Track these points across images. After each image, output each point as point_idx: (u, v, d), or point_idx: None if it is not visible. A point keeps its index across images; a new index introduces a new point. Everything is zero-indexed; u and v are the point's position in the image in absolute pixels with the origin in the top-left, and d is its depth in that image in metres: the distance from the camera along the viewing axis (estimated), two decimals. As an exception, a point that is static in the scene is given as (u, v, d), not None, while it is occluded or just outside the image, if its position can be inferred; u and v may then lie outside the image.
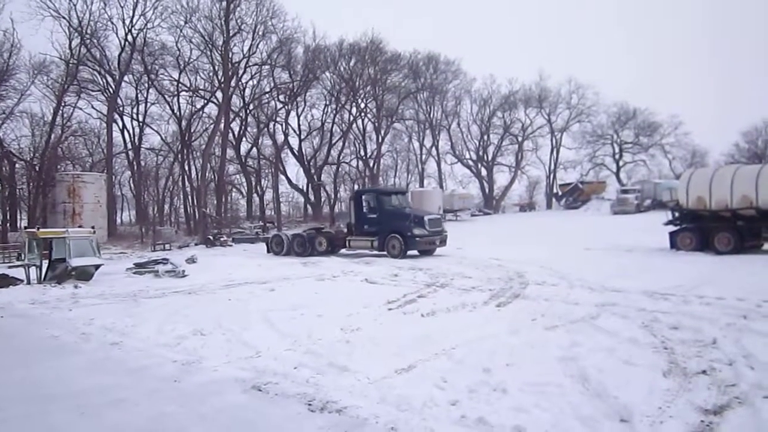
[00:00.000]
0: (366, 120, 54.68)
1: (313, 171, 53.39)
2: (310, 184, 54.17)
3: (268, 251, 24.17)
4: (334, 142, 53.54)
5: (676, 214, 19.51)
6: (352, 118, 53.06)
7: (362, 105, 53.05)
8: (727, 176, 17.93)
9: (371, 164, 54.87)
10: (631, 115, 66.37)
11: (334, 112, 52.65)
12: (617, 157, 68.62)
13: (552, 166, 68.78)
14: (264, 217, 46.46)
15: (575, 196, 58.94)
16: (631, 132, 67.77)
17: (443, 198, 51.57)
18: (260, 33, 41.55)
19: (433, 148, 65.60)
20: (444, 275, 14.93)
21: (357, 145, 55.70)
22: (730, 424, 4.58)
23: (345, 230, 23.66)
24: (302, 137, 53.38)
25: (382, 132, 54.50)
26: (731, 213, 17.61)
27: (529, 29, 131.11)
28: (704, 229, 18.13)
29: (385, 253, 21.05)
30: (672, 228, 19.35)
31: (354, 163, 56.57)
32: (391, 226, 21.13)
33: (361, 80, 51.41)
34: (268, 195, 53.07)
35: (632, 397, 5.14)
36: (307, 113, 53.53)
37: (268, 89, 47.00)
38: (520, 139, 67.66)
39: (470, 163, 68.61)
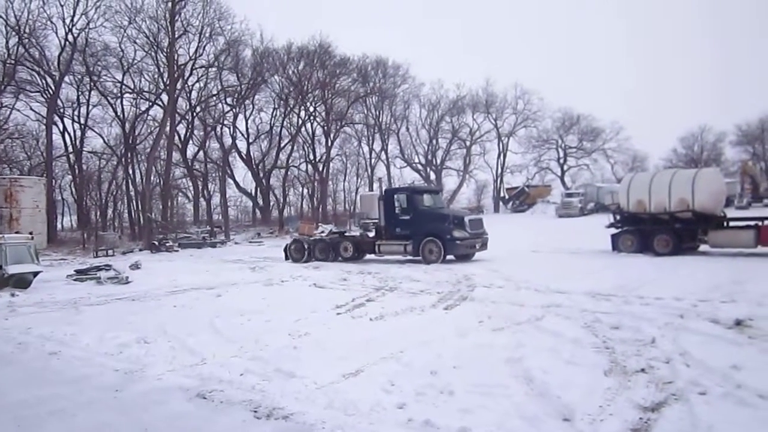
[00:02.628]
0: (315, 124, 54.43)
1: (261, 175, 52.79)
2: (258, 188, 53.58)
3: (287, 258, 22.21)
4: (282, 145, 53.06)
5: (618, 217, 20.10)
6: (300, 122, 52.71)
7: (311, 109, 52.80)
8: (665, 180, 18.57)
9: (321, 168, 54.67)
10: (575, 120, 68.07)
11: (283, 115, 52.19)
12: (562, 161, 70.21)
13: (499, 170, 69.85)
14: (211, 222, 45.76)
15: (522, 199, 59.97)
16: (575, 137, 69.52)
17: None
18: (207, 35, 40.87)
19: (383, 152, 65.80)
20: (393, 279, 14.99)
21: (306, 149, 55.35)
22: (666, 420, 4.73)
23: (370, 234, 21.78)
24: (250, 141, 52.71)
25: (332, 136, 54.34)
26: (669, 216, 18.24)
27: (476, 34, 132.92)
28: (644, 232, 18.73)
29: (420, 258, 19.12)
30: (614, 230, 19.90)
31: (303, 167, 56.30)
32: (427, 229, 19.23)
33: (309, 84, 51.15)
34: (216, 199, 52.26)
35: (574, 397, 5.26)
36: (256, 116, 52.93)
37: (215, 92, 46.26)
38: (468, 143, 68.53)
39: (419, 167, 69.09)
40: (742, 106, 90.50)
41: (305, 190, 58.29)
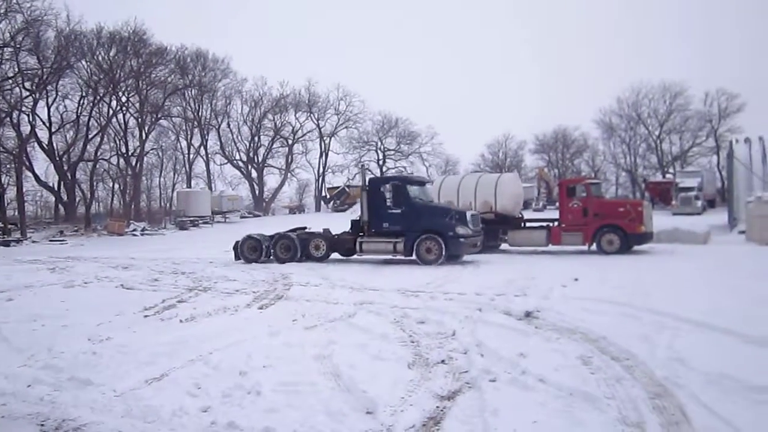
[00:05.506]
0: (128, 115, 51.39)
1: (66, 168, 48.55)
2: (62, 183, 49.21)
3: (237, 258, 19.10)
4: (91, 137, 49.25)
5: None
6: (111, 112, 49.46)
7: (124, 99, 49.84)
8: (472, 183, 19.96)
9: (134, 162, 51.62)
10: (394, 123, 70.90)
11: (92, 104, 48.50)
12: (381, 162, 72.54)
13: (321, 170, 70.75)
14: (4, 218, 41.28)
15: (343, 199, 61.08)
16: (394, 140, 72.38)
17: (212, 199, 50.36)
18: (2, 11, 36.94)
19: (202, 148, 63.74)
20: (208, 279, 14.55)
21: (117, 141, 52.06)
22: (459, 407, 5.08)
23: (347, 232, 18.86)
24: (53, 130, 48.30)
25: (146, 128, 51.69)
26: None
27: (298, 34, 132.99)
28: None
29: (414, 258, 16.98)
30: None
31: (114, 160, 52.75)
32: (425, 224, 16.91)
33: (122, 72, 48.24)
34: (11, 193, 47.24)
35: (379, 390, 5.46)
36: (60, 104, 48.66)
37: (11, 74, 41.80)
38: (290, 142, 68.61)
39: (240, 164, 67.96)
40: (540, 117, 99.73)
41: (116, 186, 54.69)
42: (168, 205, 59.01)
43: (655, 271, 14.04)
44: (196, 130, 61.99)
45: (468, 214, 17.32)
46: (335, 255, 18.82)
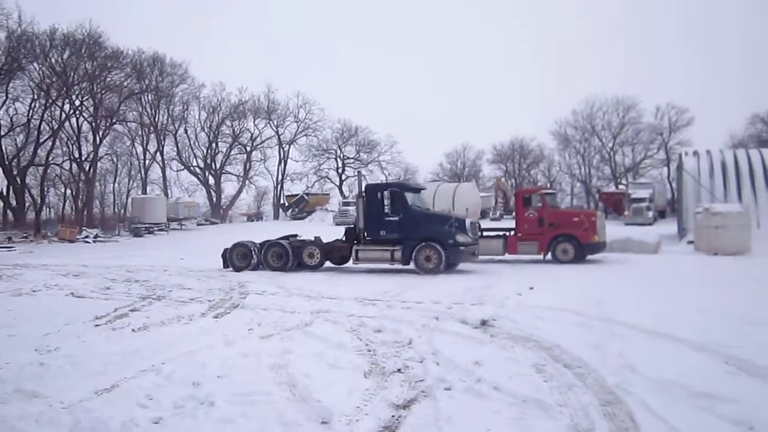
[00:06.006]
0: (81, 119, 50.10)
1: (15, 172, 47.04)
2: (11, 187, 47.66)
3: (225, 266, 18.46)
4: (42, 140, 47.84)
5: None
6: (64, 116, 48.11)
7: (77, 102, 48.52)
8: (430, 192, 20.11)
9: (87, 167, 50.41)
10: (353, 132, 71.10)
11: (44, 107, 47.06)
12: (340, 171, 72.57)
13: (280, 177, 70.29)
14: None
15: (301, 207, 60.79)
16: (353, 148, 72.51)
17: (168, 206, 49.51)
18: (-51, 10, 35.77)
19: (158, 154, 62.64)
20: (162, 287, 14.29)
21: (70, 146, 50.66)
22: (414, 416, 5.09)
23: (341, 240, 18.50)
24: (2, 133, 46.71)
25: (101, 133, 50.46)
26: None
27: (258, 41, 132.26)
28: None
29: (411, 267, 16.61)
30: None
31: (66, 165, 51.39)
32: (424, 232, 16.52)
33: (76, 75, 47.01)
34: (-45, 198, 45.69)
35: (334, 399, 5.44)
36: (10, 106, 47.12)
37: (-43, 75, 40.51)
38: (248, 148, 68.01)
39: (197, 170, 66.98)
40: (498, 128, 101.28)
41: (68, 191, 53.25)
42: (122, 211, 57.70)
43: (608, 280, 14.35)
44: (152, 135, 60.89)
45: (467, 222, 17.10)
46: (326, 264, 18.44)
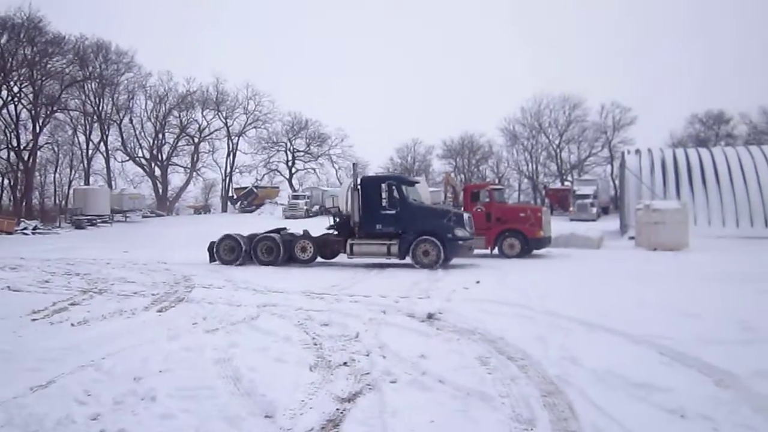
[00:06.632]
0: (20, 106, 48.34)
1: (-53, 161, 45.24)
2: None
3: (212, 259, 17.84)
4: (-23, 128, 46.16)
5: (337, 220, 21.15)
6: (1, 103, 46.35)
7: (16, 89, 46.80)
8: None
9: (26, 157, 48.67)
10: (304, 125, 70.39)
11: (-21, 94, 45.44)
12: (290, 164, 71.91)
13: (228, 170, 69.14)
14: None
15: (250, 199, 60.11)
16: (303, 141, 71.85)
17: (112, 197, 48.30)
18: None
19: (102, 144, 60.88)
20: (104, 280, 13.93)
21: (8, 134, 48.79)
22: (359, 408, 5.10)
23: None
24: (-66, 120, 44.95)
25: (41, 121, 48.80)
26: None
27: (206, 30, 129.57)
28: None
29: (409, 262, 16.32)
30: (333, 232, 20.92)
31: (4, 154, 49.52)
32: (422, 226, 16.24)
33: (15, 61, 45.30)
34: None
35: (279, 393, 5.40)
36: (-57, 93, 45.27)
37: None
38: (196, 140, 66.73)
39: (143, 161, 65.35)
40: (448, 124, 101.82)
41: (6, 181, 51.32)
42: (64, 203, 55.91)
43: (552, 274, 14.67)
44: (95, 124, 59.11)
45: (465, 216, 17.00)
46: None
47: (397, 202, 16.64)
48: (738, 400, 5.02)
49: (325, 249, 17.93)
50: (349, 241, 16.99)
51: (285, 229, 19.45)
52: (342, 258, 17.66)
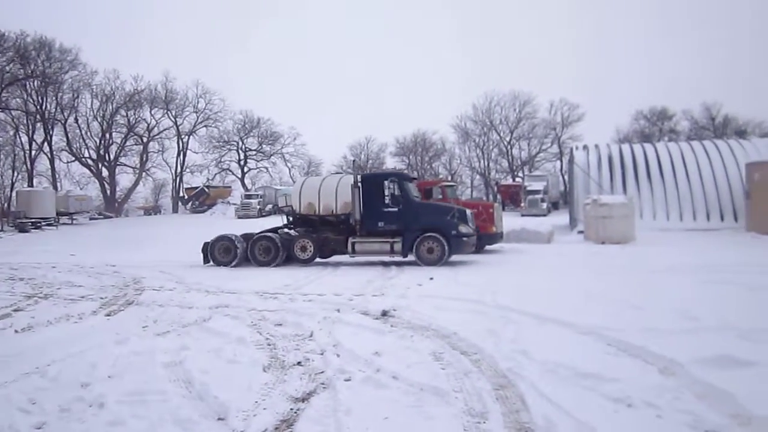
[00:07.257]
0: (-42, 106, 46.58)
1: None
2: None
3: (206, 260, 17.33)
4: None
5: (290, 219, 21.02)
6: (-63, 103, 44.62)
7: (-48, 88, 45.08)
8: (333, 185, 19.91)
9: (-36, 158, 46.94)
10: (256, 123, 69.81)
11: None
12: (242, 163, 71.22)
13: (179, 169, 68.03)
14: None
15: (201, 200, 59.28)
16: (256, 140, 71.23)
17: (57, 199, 46.88)
18: None
19: (46, 144, 59.01)
20: (49, 285, 13.55)
21: (-55, 135, 47.06)
22: (314, 407, 5.09)
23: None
24: None
25: (-20, 121, 47.07)
26: (336, 218, 19.68)
27: (155, 27, 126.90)
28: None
29: (413, 259, 16.09)
30: (292, 231, 20.75)
31: (-60, 155, 47.65)
32: (425, 223, 16.05)
33: (-49, 59, 43.62)
34: None
35: (232, 395, 5.34)
36: None
37: None
38: (145, 139, 65.34)
39: (90, 162, 63.61)
40: (401, 121, 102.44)
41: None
42: (6, 205, 54.00)
43: (504, 270, 14.85)
44: (39, 124, 57.28)
45: (468, 213, 16.82)
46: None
47: (400, 199, 16.52)
48: (681, 387, 5.19)
49: (326, 248, 17.65)
50: (351, 240, 16.82)
51: (282, 227, 18.84)
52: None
